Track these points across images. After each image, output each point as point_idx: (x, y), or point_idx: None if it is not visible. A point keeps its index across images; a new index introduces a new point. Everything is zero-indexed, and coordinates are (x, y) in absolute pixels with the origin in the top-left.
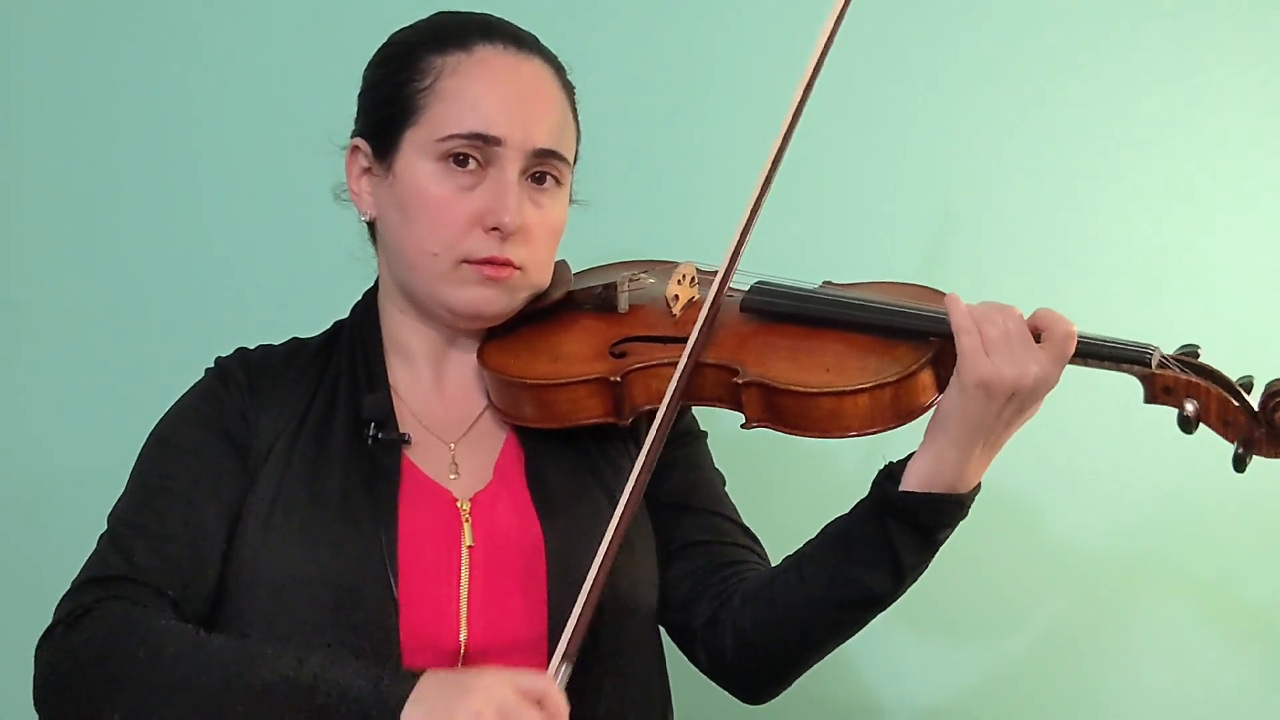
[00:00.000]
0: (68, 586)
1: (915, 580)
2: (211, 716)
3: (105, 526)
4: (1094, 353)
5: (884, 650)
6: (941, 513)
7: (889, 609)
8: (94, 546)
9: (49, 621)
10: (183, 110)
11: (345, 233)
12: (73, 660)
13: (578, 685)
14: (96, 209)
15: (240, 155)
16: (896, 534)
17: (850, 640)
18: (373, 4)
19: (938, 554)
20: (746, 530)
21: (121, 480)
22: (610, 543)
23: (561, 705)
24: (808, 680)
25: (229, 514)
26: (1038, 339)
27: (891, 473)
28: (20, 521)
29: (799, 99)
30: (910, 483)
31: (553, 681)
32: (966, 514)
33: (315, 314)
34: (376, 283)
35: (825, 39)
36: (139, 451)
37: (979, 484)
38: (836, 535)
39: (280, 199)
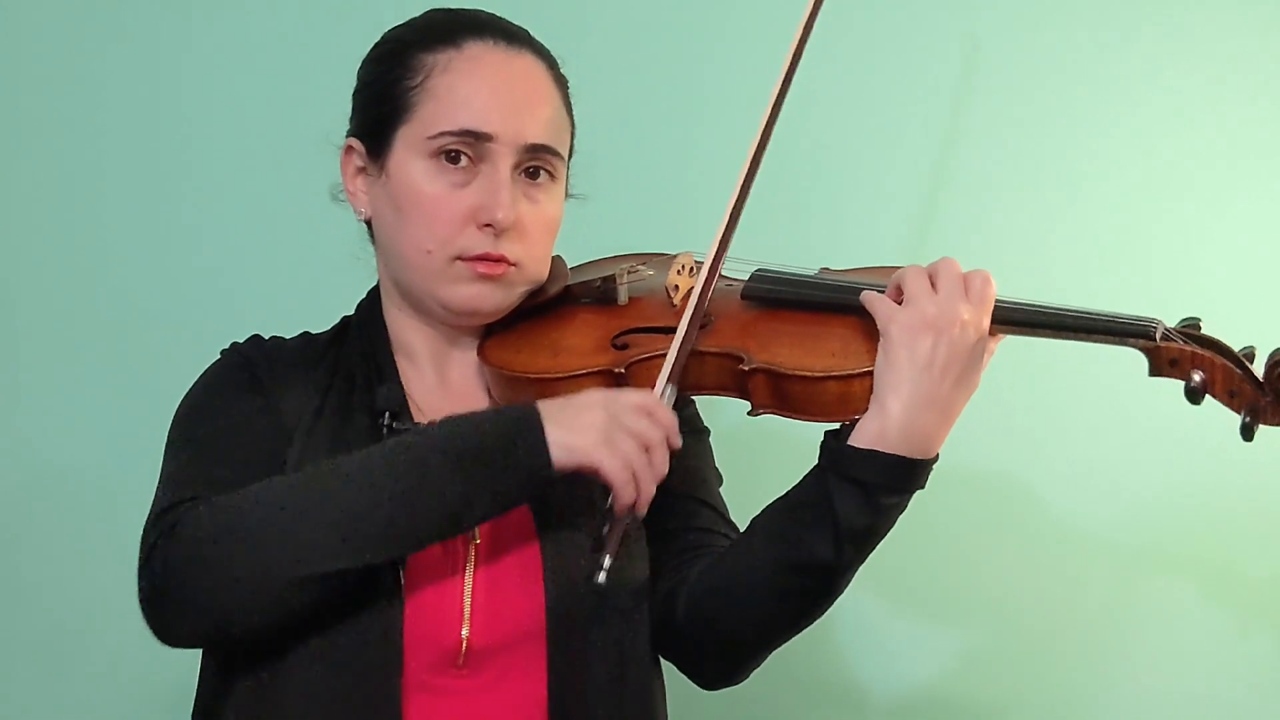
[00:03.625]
0: (69, 585)
1: (861, 552)
2: (371, 505)
3: (108, 526)
4: (1099, 328)
5: (880, 639)
6: (884, 470)
7: (891, 608)
8: (97, 544)
9: (51, 618)
10: (181, 110)
11: (346, 233)
12: (193, 547)
13: (573, 678)
14: (95, 210)
15: (239, 156)
16: (836, 490)
17: (847, 631)
18: (369, 2)
19: (936, 545)
20: (731, 524)
21: (122, 479)
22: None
23: (669, 418)
24: (801, 672)
25: (277, 461)
26: None
27: (840, 432)
28: (20, 522)
29: (780, 83)
30: (856, 440)
31: (658, 398)
32: (919, 484)
33: (318, 316)
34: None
35: (801, 29)
36: (168, 433)
37: (935, 456)
38: (783, 499)
39: (282, 200)
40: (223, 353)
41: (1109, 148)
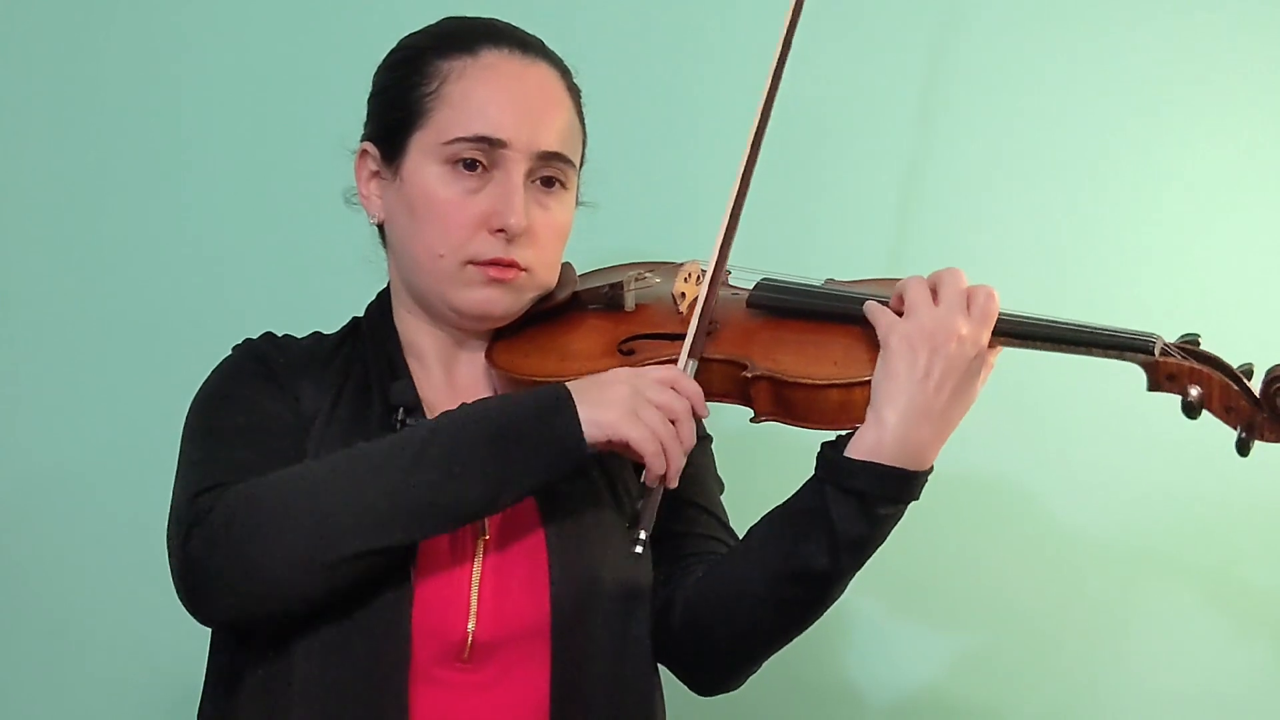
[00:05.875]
0: (70, 583)
1: (857, 562)
2: (406, 484)
3: (110, 526)
4: (1098, 342)
5: (882, 642)
6: (880, 481)
7: (890, 610)
8: (100, 546)
9: (53, 620)
10: (188, 113)
11: (358, 236)
12: (231, 530)
13: (575, 675)
14: (102, 213)
15: (253, 159)
16: (832, 500)
17: (847, 632)
18: (385, 9)
19: (936, 548)
20: (731, 532)
21: (125, 482)
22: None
23: (693, 388)
24: (802, 674)
25: (297, 449)
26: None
27: (837, 443)
28: (22, 524)
29: (767, 91)
30: (853, 451)
31: (681, 371)
32: (914, 495)
33: (328, 317)
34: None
35: (784, 34)
36: (185, 423)
37: (930, 469)
38: (781, 509)
39: (294, 203)
40: (235, 347)
41: (1110, 153)
